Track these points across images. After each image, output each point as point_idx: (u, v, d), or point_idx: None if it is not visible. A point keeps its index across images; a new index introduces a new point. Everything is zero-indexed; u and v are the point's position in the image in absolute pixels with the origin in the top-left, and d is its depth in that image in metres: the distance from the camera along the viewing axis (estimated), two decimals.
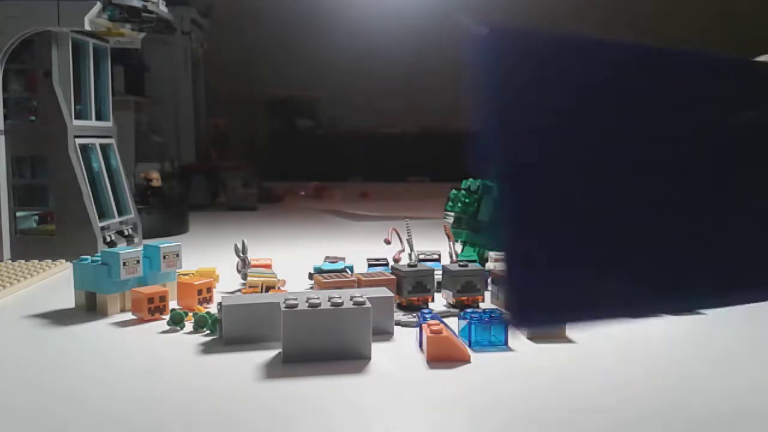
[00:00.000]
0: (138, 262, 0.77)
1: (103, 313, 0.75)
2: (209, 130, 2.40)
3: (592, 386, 0.55)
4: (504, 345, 0.64)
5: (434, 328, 0.61)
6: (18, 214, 1.11)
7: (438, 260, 0.91)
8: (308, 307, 0.60)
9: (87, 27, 1.06)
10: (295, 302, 0.60)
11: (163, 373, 0.58)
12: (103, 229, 1.10)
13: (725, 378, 0.57)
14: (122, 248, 0.79)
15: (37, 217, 1.18)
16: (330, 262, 0.90)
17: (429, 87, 2.73)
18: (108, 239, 1.11)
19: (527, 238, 0.21)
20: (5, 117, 1.08)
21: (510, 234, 0.20)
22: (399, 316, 0.72)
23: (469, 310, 0.67)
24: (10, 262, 1.01)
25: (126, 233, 1.18)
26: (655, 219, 0.23)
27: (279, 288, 0.82)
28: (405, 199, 1.83)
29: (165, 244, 0.81)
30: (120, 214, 1.19)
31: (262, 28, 2.95)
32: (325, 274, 0.78)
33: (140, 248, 0.80)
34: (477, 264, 0.82)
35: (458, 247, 0.98)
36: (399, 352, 0.63)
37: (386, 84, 2.90)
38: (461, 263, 0.80)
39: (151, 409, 0.50)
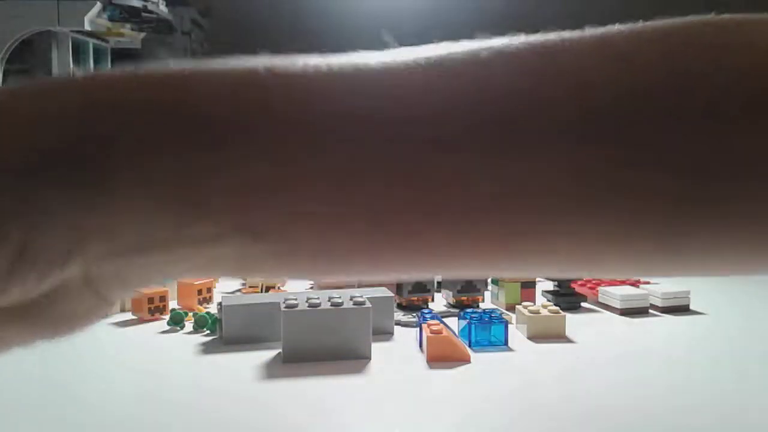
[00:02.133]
0: None
1: None
2: None
3: (591, 386, 0.55)
4: (504, 345, 0.64)
5: (434, 328, 0.61)
6: None
7: None
8: (308, 307, 0.60)
9: (87, 27, 1.06)
10: (295, 302, 0.60)
11: (163, 373, 0.58)
12: None
13: (725, 378, 0.57)
14: None
15: None
16: None
17: None
18: None
19: None
20: None
21: None
22: (399, 316, 0.72)
23: (469, 310, 0.67)
24: None
25: None
26: None
27: (279, 288, 0.82)
28: None
29: None
30: None
31: (262, 27, 2.96)
32: None
33: None
34: None
35: None
36: (399, 352, 0.62)
37: None
38: None
39: (151, 409, 0.50)
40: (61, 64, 1.09)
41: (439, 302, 0.80)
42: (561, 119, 0.19)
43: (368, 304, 0.60)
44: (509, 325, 0.65)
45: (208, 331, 0.68)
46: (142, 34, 1.22)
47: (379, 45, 0.21)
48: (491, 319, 0.64)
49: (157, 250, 0.20)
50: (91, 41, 1.16)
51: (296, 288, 0.86)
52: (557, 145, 0.19)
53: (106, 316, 0.22)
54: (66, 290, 0.20)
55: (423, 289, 0.77)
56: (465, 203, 0.20)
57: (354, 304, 0.60)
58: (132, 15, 1.12)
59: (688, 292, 0.78)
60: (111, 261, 0.20)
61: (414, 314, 0.72)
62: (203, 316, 0.69)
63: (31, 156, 0.18)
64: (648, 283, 0.83)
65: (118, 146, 0.19)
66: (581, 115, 0.19)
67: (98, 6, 1.07)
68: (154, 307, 0.73)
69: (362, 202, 0.20)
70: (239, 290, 0.86)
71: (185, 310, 0.72)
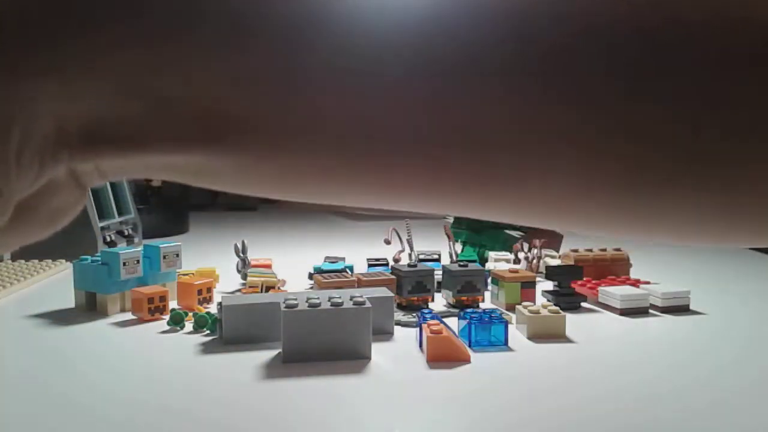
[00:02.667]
0: (138, 262, 0.77)
1: (103, 313, 0.75)
2: None
3: (591, 386, 0.55)
4: (504, 345, 0.64)
5: (434, 328, 0.61)
6: None
7: (438, 260, 0.91)
8: (308, 307, 0.60)
9: None
10: (295, 302, 0.60)
11: (163, 374, 0.58)
12: (103, 229, 1.10)
13: (725, 378, 0.57)
14: (122, 248, 0.79)
15: None
16: (330, 262, 0.90)
17: None
18: (108, 239, 1.11)
19: None
20: None
21: None
22: (399, 316, 0.72)
23: (469, 310, 0.67)
24: (10, 262, 1.01)
25: (126, 233, 1.18)
26: None
27: (279, 288, 0.82)
28: None
29: (165, 244, 0.81)
30: (120, 214, 1.19)
31: None
32: (325, 274, 0.78)
33: (140, 248, 0.80)
34: (477, 264, 0.82)
35: (458, 247, 0.98)
36: (399, 352, 0.63)
37: None
38: (461, 263, 0.80)
39: (152, 409, 0.50)
40: None
41: (439, 302, 0.80)
42: (555, 55, 0.19)
43: (368, 304, 0.60)
44: (509, 325, 0.65)
45: (208, 331, 0.68)
46: None
47: None
48: (491, 319, 0.64)
49: (129, 149, 0.20)
50: None
51: (296, 288, 0.86)
52: (538, 82, 0.19)
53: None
54: (55, 186, 0.21)
55: (423, 289, 0.77)
56: (428, 133, 0.20)
57: (354, 304, 0.60)
58: None
59: (688, 292, 0.78)
60: (92, 157, 0.20)
61: (414, 314, 0.72)
62: (203, 316, 0.69)
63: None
64: (648, 283, 0.83)
65: (71, 31, 0.18)
66: (577, 53, 0.19)
67: None
68: (154, 307, 0.73)
69: (328, 118, 0.20)
70: (239, 290, 0.86)
71: (185, 310, 0.72)
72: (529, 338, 0.66)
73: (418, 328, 0.65)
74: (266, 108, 0.19)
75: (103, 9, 0.18)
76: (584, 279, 0.83)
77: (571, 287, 0.79)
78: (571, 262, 0.89)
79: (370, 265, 0.90)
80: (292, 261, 1.01)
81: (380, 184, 0.22)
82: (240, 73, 0.19)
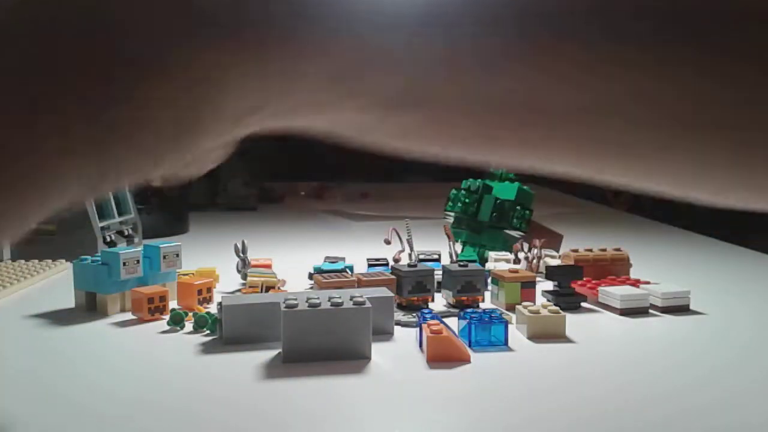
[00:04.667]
0: (138, 262, 0.77)
1: (103, 313, 0.75)
2: None
3: (591, 386, 0.55)
4: (504, 345, 0.64)
5: (434, 328, 0.61)
6: None
7: (438, 260, 0.91)
8: (308, 307, 0.60)
9: None
10: (295, 302, 0.60)
11: (163, 374, 0.58)
12: (103, 229, 1.10)
13: (725, 378, 0.57)
14: (122, 248, 0.79)
15: None
16: (330, 262, 0.90)
17: None
18: (108, 239, 1.10)
19: None
20: None
21: None
22: (399, 316, 0.72)
23: (469, 310, 0.67)
24: (10, 262, 1.00)
25: (126, 233, 1.18)
26: None
27: (279, 288, 0.82)
28: (405, 199, 1.82)
29: (165, 244, 0.81)
30: (120, 214, 1.19)
31: None
32: (325, 274, 0.78)
33: (140, 248, 0.80)
34: (477, 264, 0.82)
35: (458, 247, 0.98)
36: (399, 352, 0.63)
37: None
38: (461, 263, 0.80)
39: (151, 409, 0.50)
40: None
41: (439, 302, 0.80)
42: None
43: (368, 304, 0.60)
44: (509, 325, 0.65)
45: (208, 331, 0.68)
46: None
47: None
48: (491, 319, 0.64)
49: (305, 117, 0.25)
50: None
51: (296, 288, 0.86)
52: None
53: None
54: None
55: (423, 289, 0.77)
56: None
57: (354, 304, 0.60)
58: None
59: (688, 292, 0.78)
60: (273, 119, 0.25)
61: (414, 314, 0.72)
62: (203, 316, 0.69)
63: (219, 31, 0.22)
64: (648, 283, 0.83)
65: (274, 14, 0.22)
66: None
67: None
68: (154, 307, 0.73)
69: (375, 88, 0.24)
70: (239, 290, 0.86)
71: (185, 310, 0.72)
72: (529, 338, 0.66)
73: (418, 328, 0.65)
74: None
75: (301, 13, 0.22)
76: (584, 279, 0.83)
77: (571, 287, 0.79)
78: (571, 262, 0.89)
79: (370, 265, 0.90)
80: (292, 261, 1.01)
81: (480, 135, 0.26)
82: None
